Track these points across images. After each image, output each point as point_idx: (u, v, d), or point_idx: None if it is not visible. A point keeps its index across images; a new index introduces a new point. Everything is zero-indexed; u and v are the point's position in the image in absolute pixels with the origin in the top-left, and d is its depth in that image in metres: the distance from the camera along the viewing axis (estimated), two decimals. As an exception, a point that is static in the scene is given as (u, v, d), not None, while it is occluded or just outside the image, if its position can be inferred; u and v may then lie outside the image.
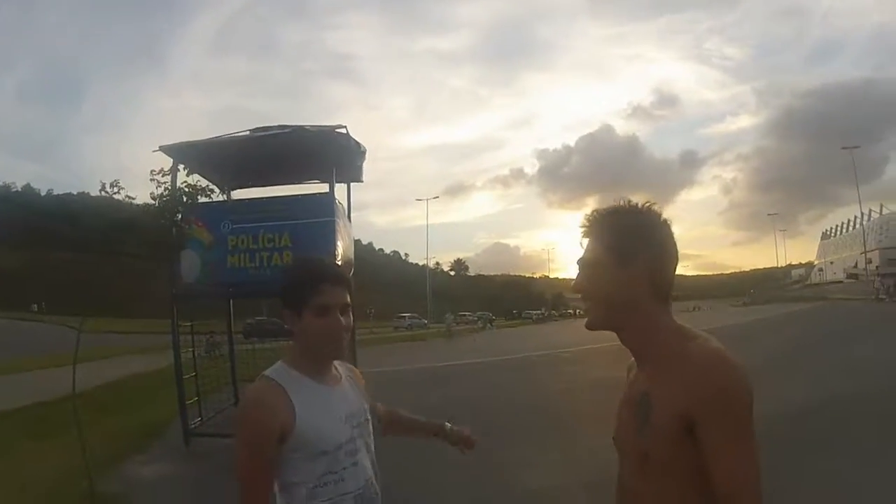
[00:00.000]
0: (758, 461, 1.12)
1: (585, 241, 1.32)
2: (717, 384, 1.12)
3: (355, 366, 1.89)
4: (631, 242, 1.25)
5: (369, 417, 1.74)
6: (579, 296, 1.33)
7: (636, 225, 1.27)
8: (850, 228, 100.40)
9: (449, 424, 1.88)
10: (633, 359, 1.36)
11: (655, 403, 1.19)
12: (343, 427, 1.61)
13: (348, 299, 1.64)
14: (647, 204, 1.28)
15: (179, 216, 6.52)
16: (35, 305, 55.51)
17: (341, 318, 1.60)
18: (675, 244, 1.29)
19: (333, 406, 1.63)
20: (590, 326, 1.33)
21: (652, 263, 1.25)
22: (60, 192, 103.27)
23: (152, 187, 6.29)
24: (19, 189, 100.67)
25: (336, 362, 1.75)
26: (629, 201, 1.29)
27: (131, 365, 14.06)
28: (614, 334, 1.31)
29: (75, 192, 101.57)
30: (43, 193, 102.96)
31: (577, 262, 1.33)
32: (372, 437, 1.74)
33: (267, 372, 1.63)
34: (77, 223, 79.96)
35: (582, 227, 1.32)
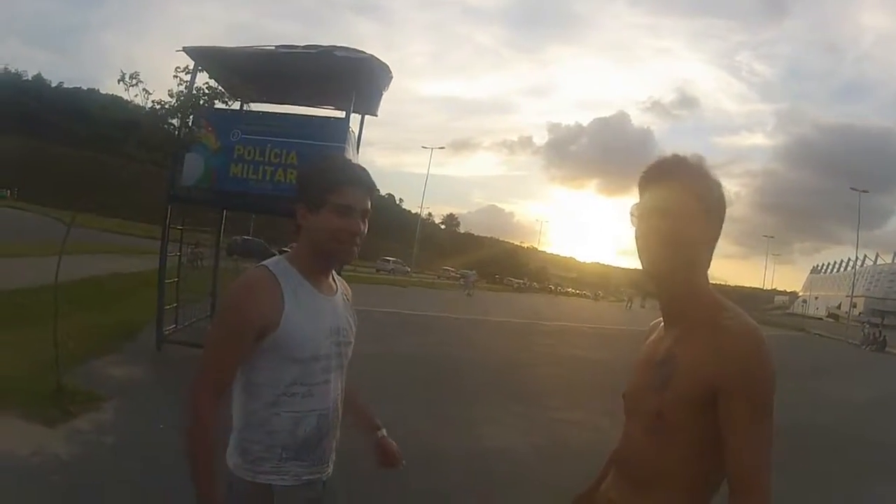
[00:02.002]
0: (772, 444, 1.11)
1: (659, 185, 1.22)
2: (751, 361, 1.11)
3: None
4: (717, 199, 1.22)
5: (352, 340, 1.65)
6: (651, 240, 1.21)
7: (718, 184, 1.23)
8: (842, 269, 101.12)
9: (383, 432, 1.79)
10: (657, 320, 1.35)
11: (681, 365, 1.17)
12: (325, 341, 1.52)
13: (369, 206, 1.56)
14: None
15: (191, 118, 6.44)
16: (7, 192, 54.16)
17: (360, 224, 1.53)
18: None
19: (323, 316, 1.54)
20: (649, 272, 1.24)
21: (720, 227, 1.24)
22: (70, 87, 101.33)
23: (173, 85, 6.19)
24: (30, 78, 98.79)
25: (334, 275, 1.67)
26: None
27: (113, 264, 13.83)
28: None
29: (84, 88, 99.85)
30: (53, 85, 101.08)
31: (650, 208, 1.21)
32: (348, 361, 1.65)
33: (266, 262, 1.54)
34: (81, 119, 78.76)
35: (662, 170, 1.24)
